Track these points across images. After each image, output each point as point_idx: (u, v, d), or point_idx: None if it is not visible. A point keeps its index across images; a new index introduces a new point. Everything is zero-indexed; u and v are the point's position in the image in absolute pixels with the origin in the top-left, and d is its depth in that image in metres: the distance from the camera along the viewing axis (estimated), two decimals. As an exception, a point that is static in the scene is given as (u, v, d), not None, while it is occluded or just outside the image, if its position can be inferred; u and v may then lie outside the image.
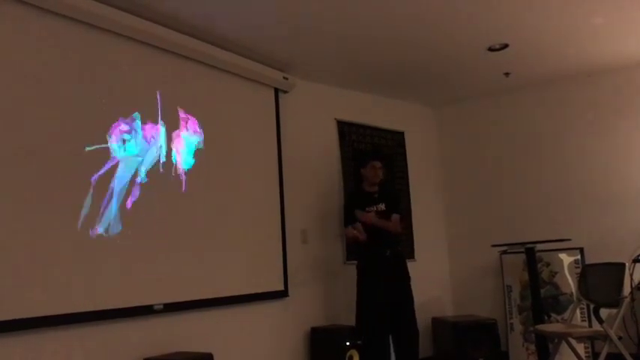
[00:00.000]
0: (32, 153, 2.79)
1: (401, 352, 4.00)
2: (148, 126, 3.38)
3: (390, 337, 4.03)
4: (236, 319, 3.75)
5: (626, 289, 3.81)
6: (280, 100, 4.38)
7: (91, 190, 3.01)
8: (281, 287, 4.12)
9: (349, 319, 4.30)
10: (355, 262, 4.22)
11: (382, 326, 3.94)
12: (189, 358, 3.13)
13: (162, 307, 3.26)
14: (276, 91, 4.36)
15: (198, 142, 3.68)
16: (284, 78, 4.33)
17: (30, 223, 2.73)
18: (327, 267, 4.55)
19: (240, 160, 3.96)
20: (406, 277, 4.12)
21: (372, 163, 4.21)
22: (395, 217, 4.15)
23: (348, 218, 4.15)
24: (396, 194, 4.43)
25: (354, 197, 4.32)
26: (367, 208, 4.11)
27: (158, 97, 3.47)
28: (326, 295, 4.49)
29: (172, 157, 3.51)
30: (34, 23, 2.88)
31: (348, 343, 3.98)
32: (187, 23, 3.51)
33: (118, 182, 3.15)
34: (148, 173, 3.34)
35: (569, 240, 4.40)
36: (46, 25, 2.94)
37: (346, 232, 4.15)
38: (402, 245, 4.38)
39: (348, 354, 3.96)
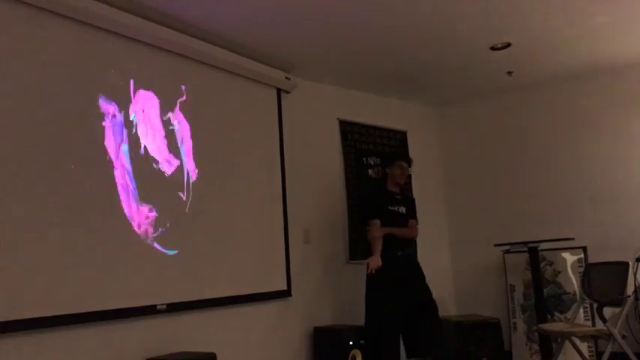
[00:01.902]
0: (35, 152, 2.79)
1: (417, 346, 3.92)
2: (151, 125, 3.39)
3: (402, 337, 3.97)
4: (239, 319, 3.75)
5: (630, 288, 3.80)
6: (282, 100, 4.38)
7: (95, 191, 3.02)
8: (284, 287, 4.12)
9: (352, 318, 4.30)
10: (359, 261, 4.20)
11: (393, 328, 3.86)
12: (193, 358, 3.13)
13: (165, 306, 3.26)
14: (279, 91, 4.36)
15: (199, 142, 3.69)
16: (286, 78, 4.33)
17: (34, 224, 2.74)
18: (330, 266, 4.55)
19: (242, 161, 3.97)
20: (421, 276, 4.06)
21: (399, 163, 4.17)
22: (412, 222, 4.16)
23: (374, 211, 4.05)
24: (414, 201, 4.39)
25: (378, 193, 4.25)
26: (390, 207, 4.08)
27: (159, 96, 3.47)
28: (329, 294, 4.49)
29: (173, 156, 3.52)
30: (30, 22, 2.90)
31: (351, 343, 3.98)
32: (189, 23, 3.51)
33: (122, 182, 3.16)
34: (151, 173, 3.35)
35: (572, 239, 4.38)
36: (45, 24, 2.95)
37: (372, 229, 3.98)
38: (413, 246, 4.25)
39: (351, 354, 3.96)
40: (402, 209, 4.14)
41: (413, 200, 4.41)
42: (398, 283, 3.91)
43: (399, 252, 4.02)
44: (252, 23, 3.60)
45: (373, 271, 3.82)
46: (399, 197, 4.17)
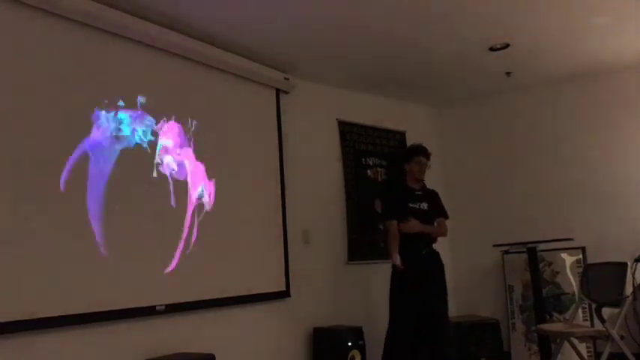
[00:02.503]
0: (33, 153, 2.79)
1: (429, 351, 3.82)
2: (151, 127, 3.39)
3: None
4: (238, 320, 3.76)
5: (628, 289, 3.80)
6: (281, 101, 4.38)
7: (94, 192, 3.02)
8: (283, 288, 4.12)
9: (352, 319, 4.30)
10: (358, 262, 4.18)
11: (411, 329, 3.74)
12: (192, 358, 3.14)
13: (164, 307, 3.26)
14: (277, 91, 4.36)
15: (198, 142, 3.70)
16: (285, 78, 4.33)
17: (32, 225, 2.74)
18: (329, 267, 4.55)
19: (241, 161, 3.96)
20: (442, 275, 3.94)
21: (418, 159, 4.01)
22: (441, 221, 4.02)
23: (392, 210, 3.96)
24: (438, 195, 4.17)
25: (397, 190, 4.09)
26: (410, 205, 3.93)
27: (159, 97, 3.47)
28: (328, 295, 4.49)
29: (173, 157, 3.51)
30: (30, 24, 2.89)
31: (350, 344, 3.98)
32: (187, 24, 3.51)
33: (122, 183, 3.16)
34: (152, 175, 3.35)
35: (571, 240, 4.39)
36: (46, 26, 2.95)
37: (390, 226, 3.90)
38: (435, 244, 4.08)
39: (351, 354, 3.97)
40: (424, 206, 3.98)
41: (435, 194, 4.16)
42: (422, 284, 3.78)
43: (424, 250, 3.90)
44: (251, 24, 3.60)
45: (402, 267, 3.73)
46: (419, 193, 4.01)
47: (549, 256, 4.83)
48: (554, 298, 4.75)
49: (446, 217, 4.08)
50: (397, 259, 3.77)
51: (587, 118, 4.95)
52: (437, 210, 4.04)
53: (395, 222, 3.88)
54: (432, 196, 4.09)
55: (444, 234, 4.04)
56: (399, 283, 3.85)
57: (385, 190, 4.59)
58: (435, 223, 4.01)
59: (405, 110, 5.50)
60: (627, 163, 4.73)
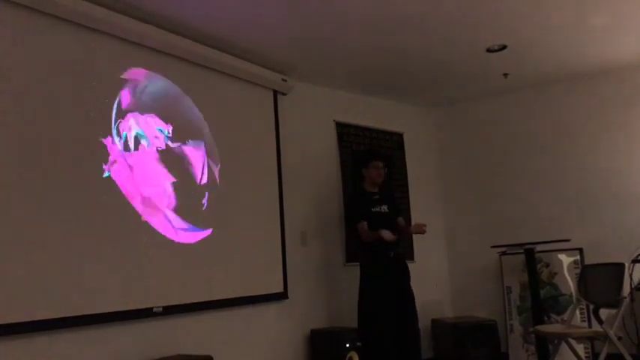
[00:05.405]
0: (35, 154, 2.78)
1: (403, 353, 3.95)
2: (150, 128, 3.38)
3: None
4: (236, 322, 3.75)
5: (626, 290, 3.81)
6: (279, 102, 4.38)
7: (94, 194, 3.01)
8: (280, 289, 4.11)
9: (349, 320, 4.29)
10: (356, 263, 4.20)
11: (387, 328, 3.87)
12: (189, 360, 3.13)
13: (161, 309, 3.25)
14: (275, 93, 4.36)
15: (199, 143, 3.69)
16: (282, 80, 4.33)
17: (30, 228, 2.72)
18: (327, 269, 4.55)
19: (239, 162, 3.96)
20: (408, 278, 4.08)
21: (375, 163, 4.17)
22: (401, 220, 4.19)
23: (360, 214, 4.07)
24: (394, 194, 4.36)
25: (359, 196, 4.25)
26: (372, 209, 4.08)
27: (158, 97, 3.47)
28: (326, 296, 4.48)
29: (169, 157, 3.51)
30: (32, 25, 2.89)
31: (347, 345, 3.97)
32: (185, 25, 3.51)
33: (122, 184, 3.15)
34: (150, 175, 3.34)
35: (568, 241, 4.39)
36: (46, 27, 2.94)
37: (361, 227, 4.01)
38: (402, 247, 4.32)
39: (348, 356, 3.96)
40: (384, 208, 4.12)
41: (392, 194, 4.39)
42: (392, 286, 3.94)
43: (392, 252, 4.01)
44: (249, 25, 3.60)
45: (395, 237, 3.85)
46: (377, 197, 4.15)
47: (547, 257, 4.84)
48: (552, 299, 4.76)
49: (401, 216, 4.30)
50: (386, 233, 3.83)
51: (585, 119, 4.96)
52: (396, 211, 4.20)
53: (365, 223, 3.98)
54: (390, 198, 4.26)
55: (410, 232, 4.31)
56: (369, 286, 3.97)
57: (350, 196, 4.62)
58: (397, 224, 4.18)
59: (403, 111, 5.50)
60: (626, 163, 4.74)
